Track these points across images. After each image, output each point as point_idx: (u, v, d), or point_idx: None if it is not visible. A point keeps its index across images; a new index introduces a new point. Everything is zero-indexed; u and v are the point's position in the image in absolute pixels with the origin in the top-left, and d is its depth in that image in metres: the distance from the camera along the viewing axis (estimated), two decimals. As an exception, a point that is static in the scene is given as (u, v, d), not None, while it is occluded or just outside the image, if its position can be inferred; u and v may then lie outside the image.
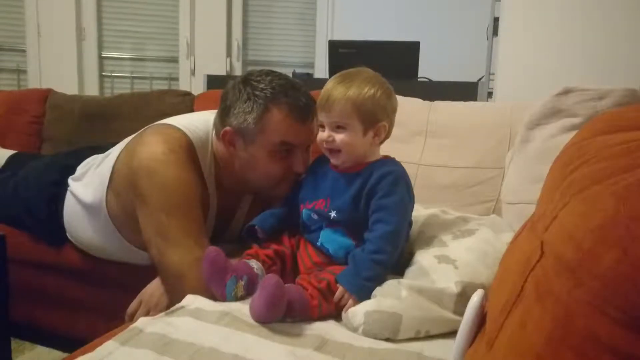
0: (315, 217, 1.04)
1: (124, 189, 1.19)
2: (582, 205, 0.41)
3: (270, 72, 1.15)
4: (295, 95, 1.11)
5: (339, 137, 1.00)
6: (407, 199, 1.02)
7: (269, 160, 1.13)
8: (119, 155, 1.25)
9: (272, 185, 1.17)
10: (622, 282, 0.33)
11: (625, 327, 0.33)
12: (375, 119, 1.00)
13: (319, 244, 1.03)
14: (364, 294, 0.91)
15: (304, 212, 1.06)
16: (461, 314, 0.78)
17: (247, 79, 1.14)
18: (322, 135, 1.02)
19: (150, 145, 1.14)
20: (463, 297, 0.87)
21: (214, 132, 1.22)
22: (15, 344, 1.60)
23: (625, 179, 0.39)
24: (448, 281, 0.91)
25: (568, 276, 0.39)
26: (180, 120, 1.22)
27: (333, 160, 1.04)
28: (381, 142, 1.06)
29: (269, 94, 1.10)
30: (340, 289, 0.93)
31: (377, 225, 0.97)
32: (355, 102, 0.98)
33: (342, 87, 0.99)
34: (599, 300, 0.35)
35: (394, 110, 1.05)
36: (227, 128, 1.15)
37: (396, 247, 0.98)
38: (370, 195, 0.99)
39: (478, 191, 1.43)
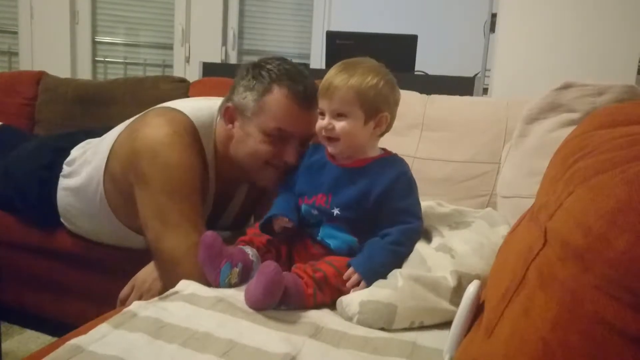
0: (315, 212, 1.02)
1: (124, 170, 1.18)
2: (590, 192, 0.42)
3: (281, 58, 1.17)
4: (300, 80, 1.11)
5: (339, 125, 0.98)
6: (418, 198, 1.04)
7: (260, 141, 1.12)
8: (119, 136, 1.23)
9: (258, 167, 1.15)
10: (636, 265, 0.33)
11: (637, 310, 0.33)
12: (377, 109, 0.99)
13: (319, 238, 1.03)
14: (373, 278, 0.92)
15: (303, 207, 1.04)
16: (456, 304, 0.78)
17: (258, 62, 1.16)
18: (322, 122, 1.01)
19: (154, 127, 1.13)
20: (458, 287, 0.88)
21: (218, 118, 1.21)
22: (4, 327, 1.59)
23: (634, 167, 0.39)
24: (444, 270, 0.91)
25: (575, 262, 0.39)
26: (185, 104, 1.21)
27: (330, 149, 1.02)
28: (381, 135, 1.05)
29: (274, 75, 1.11)
30: (350, 269, 0.94)
31: (399, 225, 0.99)
32: (357, 90, 0.97)
33: (345, 75, 0.98)
34: (608, 284, 0.35)
35: (396, 103, 1.04)
36: (229, 104, 1.15)
37: (413, 244, 0.99)
38: (385, 198, 0.98)
39: (472, 185, 1.43)
